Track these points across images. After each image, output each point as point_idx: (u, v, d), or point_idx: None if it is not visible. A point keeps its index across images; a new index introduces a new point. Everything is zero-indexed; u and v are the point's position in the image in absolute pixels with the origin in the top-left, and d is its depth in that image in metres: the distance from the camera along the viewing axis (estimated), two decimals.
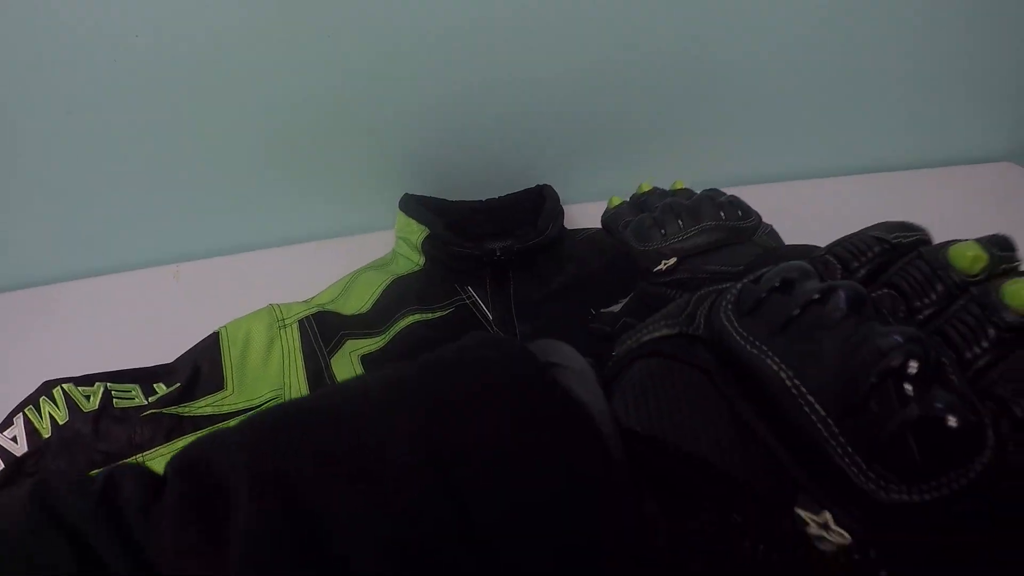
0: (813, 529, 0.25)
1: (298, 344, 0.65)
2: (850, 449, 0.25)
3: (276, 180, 0.80)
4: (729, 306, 0.30)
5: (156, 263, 0.82)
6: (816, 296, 0.28)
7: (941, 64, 0.84)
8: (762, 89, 0.82)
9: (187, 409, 0.62)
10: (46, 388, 0.61)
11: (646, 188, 0.59)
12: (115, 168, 0.75)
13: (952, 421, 0.23)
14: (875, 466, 0.24)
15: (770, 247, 0.52)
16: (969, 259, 0.29)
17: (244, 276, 0.80)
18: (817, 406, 0.26)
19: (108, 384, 0.62)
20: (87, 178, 0.76)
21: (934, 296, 0.29)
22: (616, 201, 0.59)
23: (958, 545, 0.25)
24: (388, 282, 0.72)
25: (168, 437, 0.60)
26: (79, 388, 0.61)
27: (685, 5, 0.74)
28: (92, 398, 0.60)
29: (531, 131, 0.80)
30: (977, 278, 0.29)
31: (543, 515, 0.25)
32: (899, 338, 0.25)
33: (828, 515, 0.25)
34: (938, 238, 0.32)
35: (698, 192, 0.56)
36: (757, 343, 0.28)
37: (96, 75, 0.68)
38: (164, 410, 0.61)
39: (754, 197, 0.82)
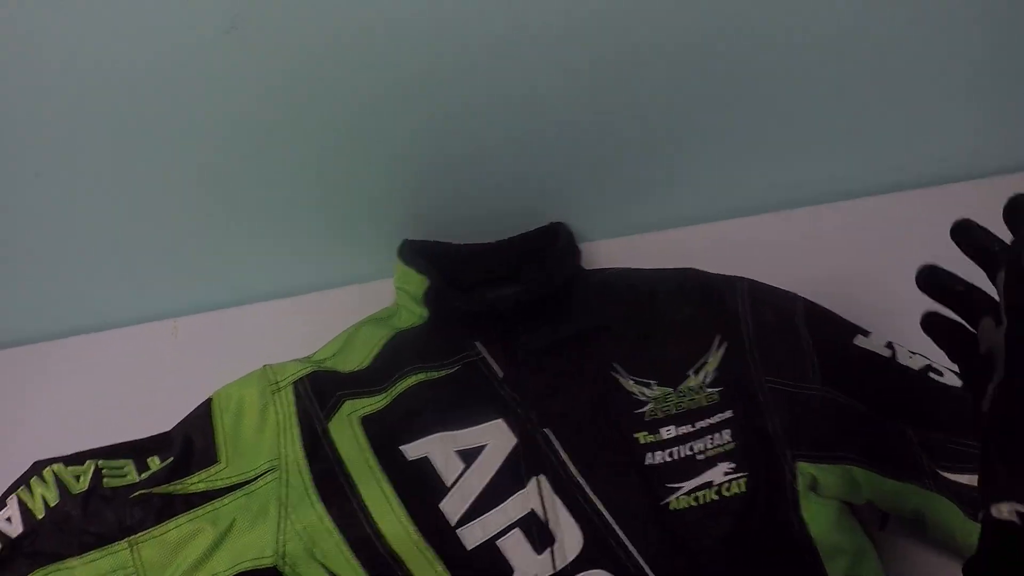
0: None
1: (292, 409, 0.62)
2: None
3: (273, 228, 0.77)
4: None
5: (153, 318, 0.81)
6: None
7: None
8: (797, 117, 0.75)
9: (179, 487, 0.59)
10: (36, 469, 0.59)
11: None
12: (104, 219, 0.74)
13: None
14: None
15: None
16: None
17: (245, 329, 0.78)
18: None
19: (100, 462, 0.60)
20: (65, 233, 0.74)
21: None
22: None
23: None
24: (390, 336, 0.67)
25: (159, 518, 0.57)
26: (68, 468, 0.59)
27: (713, 33, 0.67)
28: (82, 478, 0.58)
29: (546, 162, 0.75)
30: None
31: None
32: None
33: None
34: None
35: None
36: None
37: (65, 133, 0.67)
38: (154, 490, 0.58)
39: (788, 224, 0.79)
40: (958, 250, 0.38)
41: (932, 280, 0.39)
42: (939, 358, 0.58)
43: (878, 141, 0.78)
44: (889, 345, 0.60)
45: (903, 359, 0.59)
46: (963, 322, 0.39)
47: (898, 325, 0.59)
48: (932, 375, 0.58)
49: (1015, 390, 0.34)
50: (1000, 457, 0.34)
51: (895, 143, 0.79)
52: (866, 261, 0.73)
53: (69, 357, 0.79)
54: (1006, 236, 0.36)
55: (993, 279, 0.36)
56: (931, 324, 0.41)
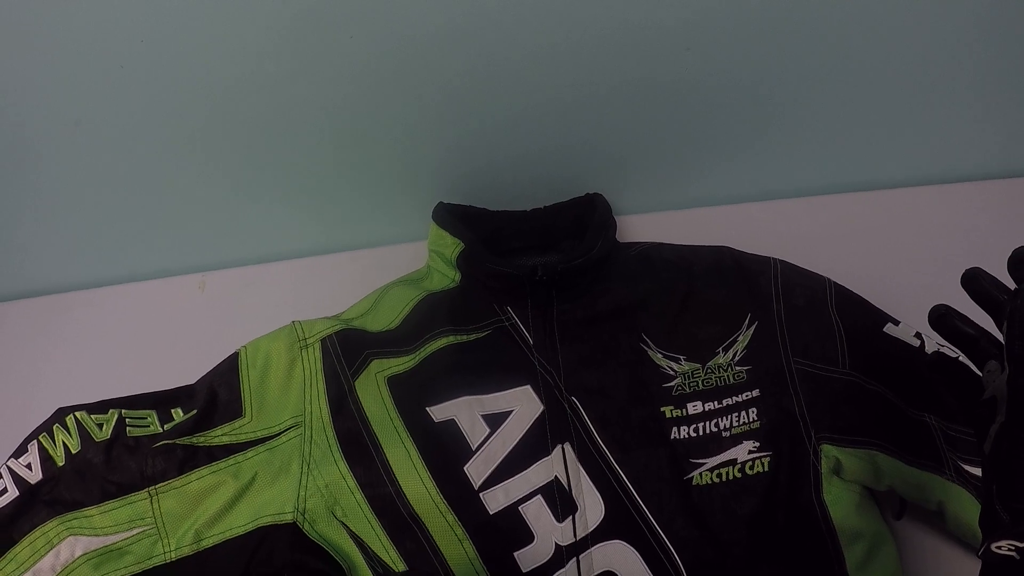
0: None
1: (320, 366, 0.61)
2: None
3: (306, 185, 0.76)
4: None
5: (181, 272, 0.80)
6: None
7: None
8: (832, 101, 0.74)
9: (202, 439, 0.58)
10: (59, 416, 0.59)
11: None
12: (132, 174, 0.73)
13: None
14: None
15: None
16: None
17: (272, 287, 0.78)
18: None
19: (123, 411, 0.60)
20: (102, 184, 0.74)
21: None
22: None
23: None
24: (420, 298, 0.67)
25: (181, 469, 0.57)
26: (92, 416, 0.59)
27: (748, 16, 0.66)
28: (104, 427, 0.58)
29: (583, 135, 0.74)
30: None
31: None
32: None
33: None
34: None
35: None
36: None
37: (105, 83, 0.66)
38: (178, 440, 0.58)
39: (818, 208, 0.79)
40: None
41: (944, 321, 0.43)
42: None
43: (920, 133, 0.78)
44: (918, 335, 0.60)
45: (931, 349, 0.59)
46: (970, 364, 0.43)
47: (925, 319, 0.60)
48: None
49: (1014, 436, 0.37)
50: (999, 497, 0.37)
51: (940, 136, 0.79)
52: (896, 253, 0.73)
53: (94, 309, 0.79)
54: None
55: (999, 326, 0.39)
56: (939, 364, 0.45)
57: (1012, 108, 0.77)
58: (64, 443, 0.57)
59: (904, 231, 0.75)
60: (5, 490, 0.56)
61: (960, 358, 0.44)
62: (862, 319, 0.61)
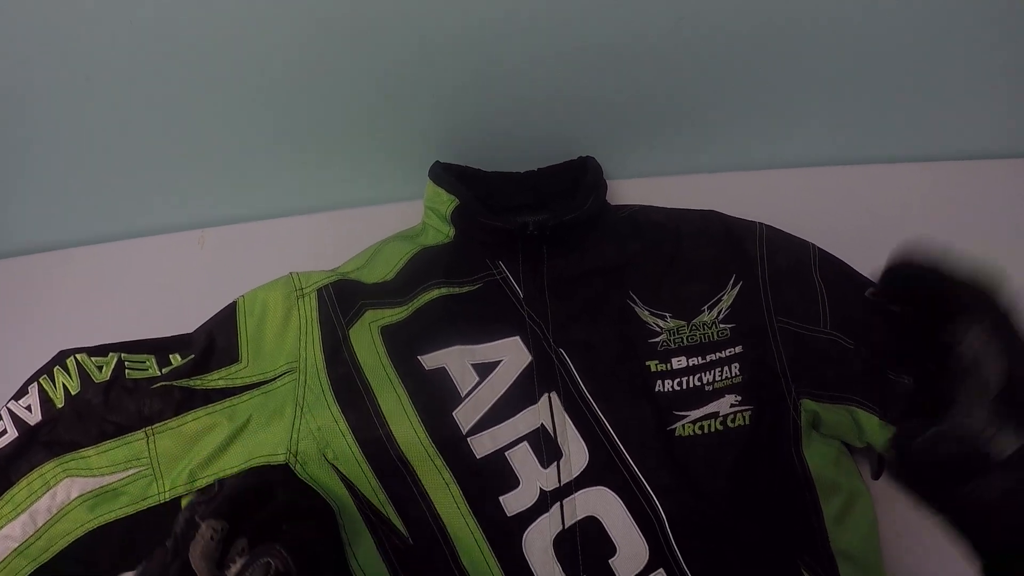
0: None
1: (315, 315, 0.63)
2: None
3: (306, 145, 0.77)
4: None
5: (181, 228, 0.81)
6: None
7: None
8: (823, 71, 0.75)
9: (199, 382, 0.60)
10: (60, 358, 0.60)
11: None
12: (137, 130, 0.73)
13: None
14: None
15: None
16: None
17: (271, 243, 0.78)
18: None
19: (122, 355, 0.61)
20: (107, 140, 0.74)
21: None
22: None
23: None
24: (415, 252, 0.68)
25: (178, 410, 0.59)
26: (92, 358, 0.60)
27: None
28: (104, 369, 0.60)
29: (575, 100, 0.75)
30: None
31: None
32: None
33: None
34: None
35: None
36: None
37: (112, 39, 0.66)
38: (175, 382, 0.59)
39: (802, 180, 0.80)
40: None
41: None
42: None
43: (900, 111, 0.79)
44: None
45: None
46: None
47: None
48: None
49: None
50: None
51: (937, 113, 0.80)
52: (883, 228, 0.73)
53: (94, 265, 0.80)
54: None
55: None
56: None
57: (1014, 88, 0.78)
58: (64, 385, 0.59)
59: (892, 206, 0.76)
60: (5, 431, 0.57)
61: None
62: (845, 283, 0.63)
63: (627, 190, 0.77)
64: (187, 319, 0.64)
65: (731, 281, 0.62)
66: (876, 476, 0.59)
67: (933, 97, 0.77)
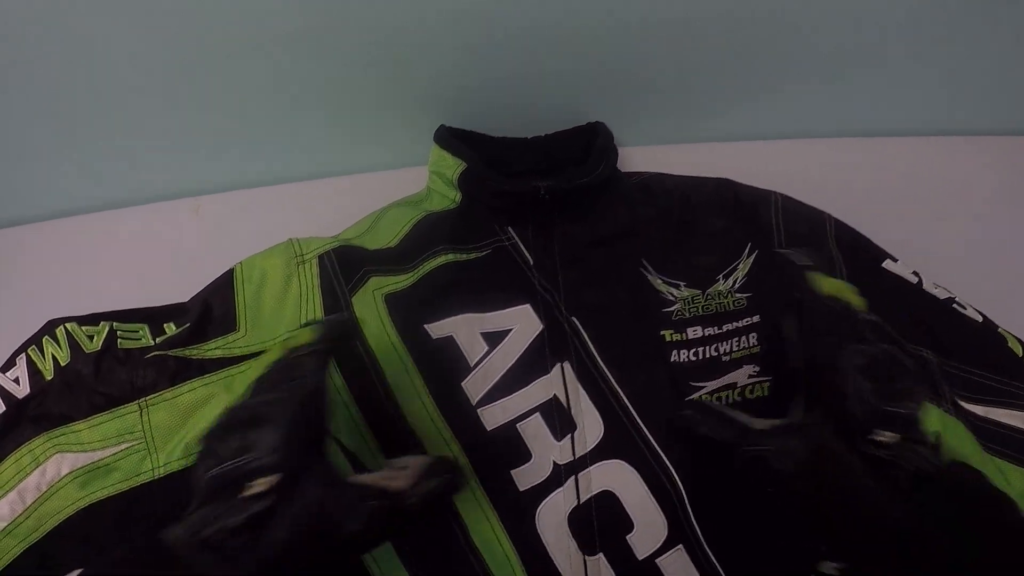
0: None
1: (316, 282, 0.60)
2: None
3: (305, 109, 0.74)
4: None
5: (176, 195, 0.78)
6: None
7: None
8: (840, 45, 0.73)
9: (195, 351, 0.58)
10: (49, 328, 0.58)
11: None
12: (131, 94, 0.71)
13: None
14: None
15: None
16: None
17: (268, 211, 0.76)
18: None
19: (114, 324, 0.59)
20: (101, 105, 0.71)
21: None
22: None
23: None
24: (419, 217, 0.66)
25: (173, 381, 0.56)
26: (83, 328, 0.58)
27: None
28: (96, 338, 0.57)
29: (586, 65, 0.72)
30: None
31: None
32: None
33: None
34: None
35: None
36: None
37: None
38: (170, 352, 0.57)
39: (808, 151, 0.79)
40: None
41: None
42: (962, 293, 0.59)
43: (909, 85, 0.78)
44: (915, 273, 0.60)
45: (929, 288, 0.59)
46: None
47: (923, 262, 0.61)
48: (956, 307, 0.58)
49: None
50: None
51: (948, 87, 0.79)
52: (896, 199, 0.73)
53: (88, 233, 0.78)
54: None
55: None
56: None
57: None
58: (53, 355, 0.56)
59: (903, 179, 0.76)
60: None
61: None
62: (861, 253, 0.61)
63: (639, 157, 0.75)
64: (184, 288, 0.62)
65: (746, 250, 0.61)
66: None
67: (940, 73, 0.77)
